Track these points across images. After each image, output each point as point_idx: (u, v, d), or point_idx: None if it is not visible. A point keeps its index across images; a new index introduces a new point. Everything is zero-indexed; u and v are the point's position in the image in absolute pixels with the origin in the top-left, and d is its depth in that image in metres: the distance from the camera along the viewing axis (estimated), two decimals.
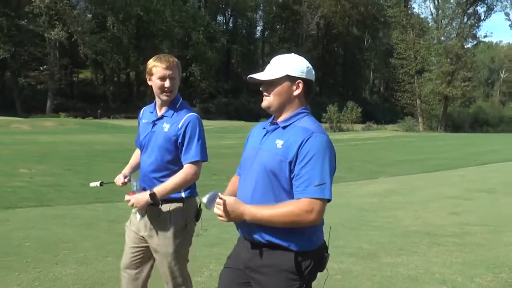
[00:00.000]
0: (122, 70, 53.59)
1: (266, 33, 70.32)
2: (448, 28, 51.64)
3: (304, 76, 1.91)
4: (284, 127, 1.90)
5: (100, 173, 10.35)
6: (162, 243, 2.62)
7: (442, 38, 50.70)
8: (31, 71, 48.87)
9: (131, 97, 54.62)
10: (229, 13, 65.56)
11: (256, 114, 53.48)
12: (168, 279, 2.68)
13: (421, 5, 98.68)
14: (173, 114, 2.67)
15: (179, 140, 2.62)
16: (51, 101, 46.74)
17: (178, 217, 2.64)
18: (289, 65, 1.91)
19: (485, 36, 72.91)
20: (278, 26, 69.11)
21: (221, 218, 1.83)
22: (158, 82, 2.60)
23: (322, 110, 60.25)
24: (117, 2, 47.60)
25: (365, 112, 47.61)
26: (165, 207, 2.63)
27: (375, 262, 4.88)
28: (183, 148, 2.62)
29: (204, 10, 54.97)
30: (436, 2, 52.17)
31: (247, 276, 1.95)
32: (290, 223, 1.78)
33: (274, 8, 67.38)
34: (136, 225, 2.69)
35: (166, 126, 2.64)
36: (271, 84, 1.91)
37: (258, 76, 1.93)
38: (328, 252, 2.01)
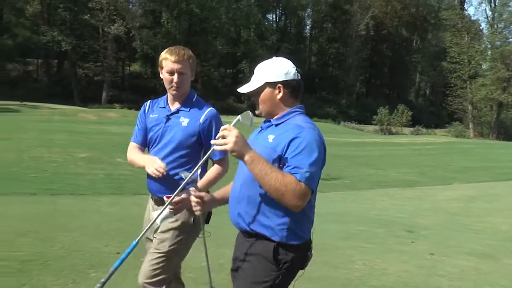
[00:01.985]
0: None
1: (314, 32, 70.22)
2: (504, 32, 50.35)
3: (283, 79, 1.97)
4: (276, 125, 1.98)
5: None
6: (163, 236, 2.52)
7: (498, 42, 49.43)
8: (89, 63, 50.87)
9: None
10: (280, 11, 65.91)
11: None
12: (150, 274, 2.50)
13: (477, 8, 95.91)
14: (190, 109, 2.59)
15: (202, 135, 2.55)
16: (106, 92, 48.44)
17: (187, 214, 2.52)
18: (267, 72, 1.99)
19: None
20: (327, 25, 68.85)
21: (226, 141, 1.81)
22: (167, 76, 2.52)
23: (368, 111, 60.22)
24: None
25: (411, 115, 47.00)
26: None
27: (497, 262, 5.31)
28: (210, 142, 2.49)
29: (256, 8, 55.48)
30: (493, 5, 50.96)
31: (237, 266, 2.02)
32: (276, 190, 1.78)
33: (325, 7, 67.16)
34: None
35: (184, 121, 2.56)
36: (255, 94, 2.00)
37: (242, 89, 2.04)
38: (312, 252, 2.03)
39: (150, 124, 2.64)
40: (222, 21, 50.62)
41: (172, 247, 2.51)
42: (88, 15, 43.86)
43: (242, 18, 52.45)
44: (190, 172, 2.15)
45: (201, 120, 2.55)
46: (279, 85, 1.98)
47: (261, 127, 2.09)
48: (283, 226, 1.89)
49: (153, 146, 2.62)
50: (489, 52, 50.08)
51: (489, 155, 19.81)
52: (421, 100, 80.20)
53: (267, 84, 1.98)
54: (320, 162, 1.86)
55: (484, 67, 51.71)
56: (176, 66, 2.48)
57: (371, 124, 47.05)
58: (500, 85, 44.94)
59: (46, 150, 11.45)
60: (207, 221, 2.53)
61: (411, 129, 46.37)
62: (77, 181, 8.40)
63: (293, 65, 2.04)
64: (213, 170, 2.58)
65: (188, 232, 2.55)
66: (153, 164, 2.44)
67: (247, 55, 54.50)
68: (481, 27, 57.90)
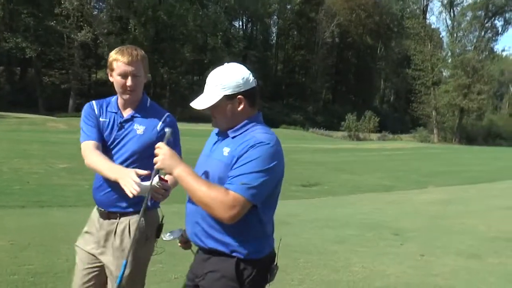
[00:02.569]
0: None
1: (281, 39, 71.00)
2: (463, 41, 52.37)
3: (242, 90, 1.84)
4: (233, 137, 1.86)
5: None
6: (116, 261, 2.31)
7: (458, 50, 51.36)
8: (55, 70, 49.86)
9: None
10: (247, 18, 66.40)
11: (271, 119, 54.34)
12: None
13: (438, 16, 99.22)
14: (145, 115, 2.38)
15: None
16: (73, 100, 47.53)
17: (140, 231, 2.29)
18: (224, 84, 1.83)
19: (503, 50, 73.63)
20: (293, 33, 69.79)
21: (156, 159, 1.81)
22: (119, 79, 2.29)
23: (334, 117, 61.30)
24: (140, 6, 48.52)
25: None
26: (123, 220, 2.34)
27: (482, 261, 5.63)
28: None
29: (223, 15, 55.80)
30: (452, 15, 52.93)
31: (196, 285, 1.92)
32: (207, 206, 1.72)
33: (291, 14, 68.07)
34: (89, 243, 2.40)
35: (140, 128, 2.35)
36: (214, 108, 1.86)
37: (197, 104, 1.87)
38: (277, 264, 1.97)
39: (101, 128, 2.37)
40: (190, 28, 50.63)
41: (130, 268, 2.25)
42: (54, 21, 43.04)
43: (209, 26, 52.61)
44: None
45: (158, 127, 2.35)
46: (240, 96, 1.84)
47: (217, 137, 1.95)
48: (240, 241, 1.81)
49: (108, 149, 2.37)
50: (450, 59, 51.97)
51: (456, 159, 20.60)
52: (385, 107, 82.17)
53: (226, 97, 1.83)
54: (267, 174, 1.74)
55: (445, 74, 53.65)
56: (129, 68, 2.26)
57: (339, 130, 48.01)
58: (461, 92, 46.71)
59: (25, 161, 11.27)
60: (157, 235, 2.39)
61: (378, 134, 47.56)
62: (64, 192, 8.32)
63: (249, 71, 1.90)
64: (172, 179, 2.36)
65: (143, 251, 2.35)
66: (129, 181, 2.05)
67: (214, 62, 54.51)
68: (441, 35, 60.12)
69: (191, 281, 1.95)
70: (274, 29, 70.47)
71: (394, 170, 16.18)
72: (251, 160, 1.73)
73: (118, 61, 2.27)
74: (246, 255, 1.82)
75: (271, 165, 1.75)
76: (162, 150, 1.81)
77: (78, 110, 48.53)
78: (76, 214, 6.91)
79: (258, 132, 1.83)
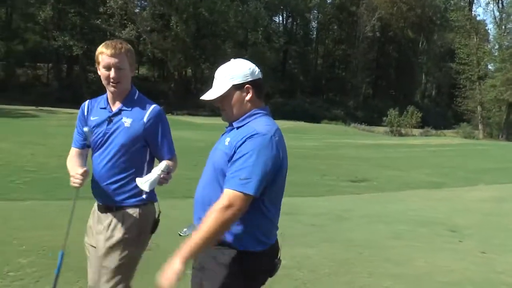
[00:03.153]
0: (183, 68, 55.30)
1: (321, 34, 70.49)
2: None
3: (250, 79, 1.92)
4: (238, 128, 1.91)
5: None
6: (108, 254, 2.35)
7: (506, 43, 49.59)
8: None
9: (189, 94, 56.27)
10: (287, 13, 66.26)
11: (312, 114, 54.14)
12: None
13: (485, 8, 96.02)
14: (132, 108, 2.40)
15: (147, 135, 2.38)
16: None
17: (132, 225, 2.36)
18: (232, 74, 1.91)
19: None
20: (334, 27, 69.16)
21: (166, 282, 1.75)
22: (104, 72, 2.35)
23: (375, 112, 60.45)
24: (182, 3, 49.24)
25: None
26: (119, 214, 2.38)
27: None
28: (157, 143, 2.41)
29: (264, 11, 55.89)
30: (500, 6, 51.15)
31: (198, 273, 1.93)
32: (222, 227, 1.75)
33: (331, 8, 67.46)
34: (90, 236, 2.48)
35: (127, 121, 2.37)
36: (221, 99, 1.92)
37: (208, 96, 1.95)
38: (280, 259, 1.99)
39: (92, 127, 2.44)
40: (231, 24, 51.02)
41: (120, 261, 2.33)
42: (99, 20, 44.32)
43: (250, 21, 52.82)
44: (144, 178, 2.21)
45: (145, 119, 2.37)
46: (248, 85, 1.92)
47: (226, 129, 2.01)
48: (243, 231, 1.84)
49: (95, 151, 2.44)
50: (497, 53, 50.22)
51: (505, 156, 20.05)
52: (427, 101, 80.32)
53: (235, 87, 1.91)
54: (264, 168, 1.77)
55: (491, 68, 51.97)
56: (112, 61, 2.31)
57: (379, 125, 47.32)
58: (510, 86, 45.10)
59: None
60: (153, 230, 2.41)
61: (420, 130, 46.56)
62: None
63: (255, 65, 2.00)
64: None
65: (135, 246, 2.38)
66: (73, 174, 2.28)
67: (255, 57, 54.83)
68: (487, 28, 58.19)
69: (195, 269, 1.95)
70: (314, 24, 70.03)
71: (440, 167, 15.94)
72: (247, 153, 1.77)
73: (103, 54, 2.33)
74: (250, 246, 1.84)
75: (268, 156, 1.78)
76: (167, 277, 1.74)
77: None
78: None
79: (259, 123, 1.88)
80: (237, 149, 1.81)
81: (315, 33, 70.96)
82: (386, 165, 15.67)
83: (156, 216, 2.47)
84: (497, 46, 51.36)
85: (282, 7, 64.20)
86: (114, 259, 2.34)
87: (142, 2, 51.98)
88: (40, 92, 49.06)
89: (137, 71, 59.86)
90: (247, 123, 1.90)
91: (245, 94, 1.92)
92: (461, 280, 4.49)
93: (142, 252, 2.46)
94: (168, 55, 50.84)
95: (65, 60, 53.55)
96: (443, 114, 69.88)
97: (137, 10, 49.52)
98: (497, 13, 51.09)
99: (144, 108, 2.41)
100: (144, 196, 2.37)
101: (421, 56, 76.46)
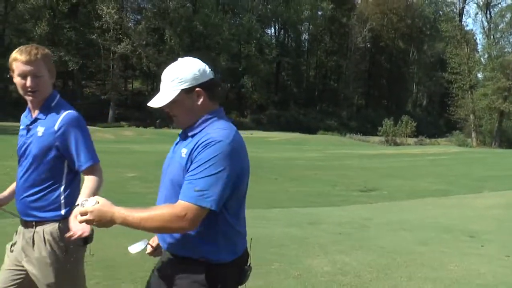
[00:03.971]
0: None
1: (313, 45, 71.27)
2: (501, 43, 51.60)
3: (200, 82, 1.78)
4: (193, 136, 1.79)
5: None
6: (41, 272, 2.20)
7: (495, 52, 50.59)
8: (95, 81, 51.59)
9: None
10: (279, 26, 67.01)
11: (306, 126, 54.68)
12: None
13: (474, 19, 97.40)
14: (47, 115, 2.22)
15: (59, 144, 2.19)
16: (113, 111, 49.00)
17: (55, 240, 2.20)
18: (180, 77, 1.77)
19: None
20: (326, 39, 70.00)
21: (87, 223, 1.70)
22: (19, 80, 2.18)
23: (368, 122, 61.14)
24: (176, 16, 49.73)
25: None
26: (39, 229, 2.21)
27: None
28: (72, 152, 2.21)
29: (257, 23, 56.59)
30: (489, 17, 52.24)
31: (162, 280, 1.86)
32: (162, 228, 1.68)
33: (323, 20, 68.37)
34: (16, 246, 2.30)
35: (40, 130, 2.20)
36: (172, 104, 1.79)
37: (155, 103, 1.81)
38: (250, 265, 1.91)
39: (19, 138, 2.32)
40: (225, 37, 51.55)
41: (57, 278, 2.21)
42: (95, 34, 44.60)
43: (244, 34, 53.41)
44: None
45: (56, 127, 2.18)
46: (198, 89, 1.78)
47: (179, 138, 1.88)
48: (210, 245, 1.75)
49: (18, 163, 2.31)
50: (486, 62, 51.18)
51: (503, 164, 20.47)
52: (418, 111, 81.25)
53: (184, 91, 1.77)
54: (222, 175, 1.67)
55: (480, 76, 52.91)
56: (28, 68, 2.14)
57: (373, 135, 47.90)
58: (501, 95, 45.95)
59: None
60: (85, 242, 2.19)
61: (415, 139, 47.19)
62: (144, 199, 8.88)
63: (204, 63, 1.85)
64: (88, 184, 2.20)
65: (64, 261, 2.22)
66: None
67: (248, 70, 55.40)
68: (475, 38, 59.28)
69: (158, 277, 1.88)
70: (306, 36, 70.83)
71: (443, 175, 16.28)
72: (204, 162, 1.67)
73: (17, 61, 2.16)
74: (217, 258, 1.76)
75: (226, 164, 1.67)
76: (85, 209, 1.68)
77: (117, 120, 50.13)
78: None
79: (214, 129, 1.75)
80: (193, 159, 1.70)
81: (307, 44, 71.82)
82: (391, 174, 15.99)
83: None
84: (486, 56, 52.38)
85: (274, 20, 64.98)
86: (49, 277, 2.20)
87: (137, 16, 52.51)
88: None
89: (131, 86, 60.73)
90: (202, 128, 1.77)
91: (196, 98, 1.78)
92: (495, 282, 4.74)
93: (78, 265, 2.30)
94: (163, 69, 51.22)
95: (59, 75, 53.58)
96: (434, 122, 70.75)
97: (131, 25, 49.93)
98: (485, 23, 52.22)
99: (58, 114, 2.22)
100: (62, 212, 2.21)
101: (412, 66, 77.62)
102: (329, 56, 69.81)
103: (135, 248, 1.90)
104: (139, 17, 53.80)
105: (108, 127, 38.46)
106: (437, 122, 71.72)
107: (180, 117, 1.82)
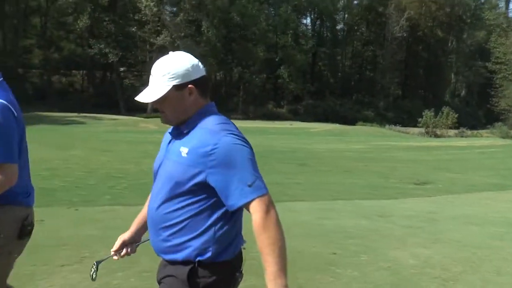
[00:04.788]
0: (214, 73, 56.10)
1: (350, 35, 70.42)
2: None
3: (192, 78, 1.71)
4: (187, 132, 1.71)
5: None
6: None
7: None
8: (134, 73, 52.60)
9: (220, 98, 56.98)
10: (315, 16, 66.48)
11: (343, 116, 54.28)
12: None
13: None
14: None
15: None
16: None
17: None
18: (172, 73, 1.69)
19: None
20: (362, 28, 69.05)
21: None
22: None
23: (404, 113, 60.17)
24: (213, 8, 50.02)
25: None
26: None
27: None
28: None
29: (294, 13, 56.33)
30: None
31: None
32: (282, 234, 1.61)
33: (359, 10, 67.43)
34: None
35: None
36: (162, 100, 1.71)
37: (145, 98, 1.73)
38: (242, 272, 1.79)
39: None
40: (262, 27, 51.58)
41: None
42: (135, 27, 45.35)
43: (281, 24, 53.29)
44: None
45: None
46: (190, 85, 1.70)
47: (170, 135, 1.80)
48: (199, 244, 1.68)
49: None
50: None
51: None
52: (457, 101, 79.37)
53: (176, 87, 1.69)
54: (253, 163, 1.64)
55: None
56: None
57: (409, 126, 47.11)
58: None
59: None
60: (20, 236, 2.10)
61: (455, 131, 46.18)
62: None
63: (197, 59, 1.78)
64: None
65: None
66: None
67: (285, 60, 55.31)
68: None
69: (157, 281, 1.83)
70: (342, 25, 70.01)
71: (495, 169, 16.00)
72: (231, 161, 1.60)
73: None
74: (204, 259, 1.68)
75: (244, 152, 1.64)
76: None
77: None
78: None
79: (212, 123, 1.69)
80: (210, 161, 1.61)
81: (343, 34, 71.02)
82: (441, 167, 15.81)
83: (23, 219, 2.15)
84: None
85: (310, 9, 64.51)
86: None
87: (173, 8, 52.98)
88: (77, 98, 50.44)
89: None
90: (197, 125, 1.70)
91: (187, 95, 1.71)
92: None
93: (6, 261, 2.17)
94: (201, 60, 51.70)
95: (99, 67, 54.84)
96: (473, 113, 69.00)
97: (167, 18, 50.46)
98: None
99: None
100: None
101: (451, 55, 75.66)
102: (365, 46, 68.88)
103: (94, 271, 1.89)
104: (175, 9, 54.39)
105: (148, 118, 39.13)
106: (476, 113, 69.91)
107: (170, 113, 1.74)
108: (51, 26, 53.62)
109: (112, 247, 1.95)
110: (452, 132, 45.69)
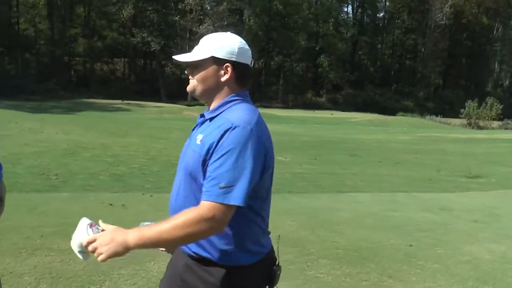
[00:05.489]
0: (256, 61, 56.35)
1: (391, 23, 69.17)
2: None
3: (234, 59, 1.62)
4: (211, 119, 1.61)
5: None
6: None
7: None
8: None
9: (258, 86, 57.23)
10: (357, 3, 65.59)
11: (383, 106, 53.65)
12: None
13: None
14: None
15: None
16: None
17: None
18: (217, 45, 1.62)
19: None
20: (404, 16, 67.67)
21: (100, 257, 1.48)
22: None
23: (445, 103, 58.88)
24: None
25: None
26: None
27: None
28: None
29: (336, 1, 55.83)
30: None
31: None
32: (189, 236, 1.48)
33: None
34: None
35: None
36: (196, 67, 1.64)
37: (181, 57, 1.67)
38: (279, 264, 1.72)
39: None
40: (304, 16, 51.36)
41: None
42: (178, 16, 46.01)
43: (323, 13, 52.92)
44: None
45: None
46: (227, 64, 1.62)
47: (197, 121, 1.70)
48: (231, 245, 1.57)
49: None
50: None
51: None
52: (499, 91, 76.99)
53: (214, 60, 1.62)
54: (250, 168, 1.48)
55: None
56: None
57: (451, 117, 46.17)
58: None
59: None
60: None
61: (499, 123, 44.99)
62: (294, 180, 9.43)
63: (249, 49, 1.69)
64: None
65: None
66: None
67: (325, 49, 54.99)
68: None
69: (174, 278, 1.71)
70: (383, 13, 68.83)
71: None
72: (225, 153, 1.48)
73: None
74: (239, 261, 1.59)
75: (250, 153, 1.49)
76: (97, 240, 1.50)
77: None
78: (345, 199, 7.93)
79: (235, 112, 1.58)
80: (211, 149, 1.51)
81: (384, 22, 69.81)
82: (492, 160, 15.61)
83: None
84: None
85: None
86: None
87: None
88: (119, 85, 51.71)
89: None
90: (222, 111, 1.60)
91: (223, 72, 1.62)
92: None
93: None
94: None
95: (140, 55, 55.96)
96: None
97: (207, 6, 50.90)
98: None
99: None
100: None
101: (496, 43, 73.32)
102: (406, 34, 67.56)
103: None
104: None
105: (190, 105, 39.81)
106: None
107: (198, 85, 1.65)
108: (94, 15, 55.05)
109: None
110: (495, 123, 44.55)
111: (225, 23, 47.02)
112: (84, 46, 53.58)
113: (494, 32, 73.59)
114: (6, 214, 2.08)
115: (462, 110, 44.28)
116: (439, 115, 46.95)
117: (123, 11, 46.40)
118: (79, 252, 1.53)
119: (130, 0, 46.63)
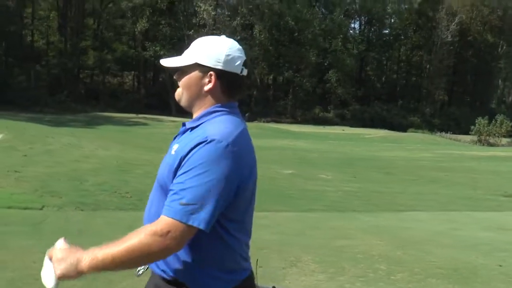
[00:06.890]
0: (265, 76, 56.82)
1: (397, 40, 69.93)
2: None
3: (219, 67, 1.49)
4: (191, 129, 1.51)
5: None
6: None
7: None
8: None
9: (268, 101, 57.68)
10: (366, 20, 66.38)
11: (390, 122, 54.09)
12: None
13: None
14: None
15: None
16: None
17: None
18: (202, 50, 1.51)
19: None
20: (411, 33, 68.46)
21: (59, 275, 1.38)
22: None
23: (451, 120, 59.37)
24: (268, 12, 50.81)
25: None
26: None
27: None
28: None
29: (345, 18, 56.58)
30: None
31: None
32: (145, 257, 1.37)
33: (409, 14, 66.92)
34: None
35: None
36: (182, 73, 1.55)
37: (167, 62, 1.60)
38: (258, 287, 1.65)
39: None
40: (315, 32, 52.02)
41: None
42: (192, 30, 46.63)
43: (335, 29, 53.60)
44: None
45: None
46: (211, 72, 1.50)
47: (178, 132, 1.60)
48: (200, 268, 1.45)
49: None
50: None
51: None
52: (503, 108, 77.58)
53: (198, 66, 1.51)
54: (215, 184, 1.36)
55: None
56: None
57: (456, 133, 46.64)
58: None
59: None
60: None
61: (508, 139, 45.44)
62: (324, 197, 9.70)
63: (242, 54, 1.56)
64: None
65: None
66: None
67: (334, 65, 55.57)
68: None
69: None
70: (390, 30, 69.61)
71: None
72: (193, 168, 1.37)
73: None
74: (216, 285, 1.47)
75: (221, 171, 1.37)
76: (55, 254, 1.41)
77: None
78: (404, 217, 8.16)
79: (215, 124, 1.46)
80: (182, 162, 1.40)
81: (390, 39, 70.56)
82: None
83: None
84: None
85: (360, 13, 64.49)
86: None
87: (227, 12, 54.06)
88: (129, 99, 52.13)
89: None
90: (203, 122, 1.50)
91: (206, 81, 1.51)
92: None
93: None
94: (255, 63, 52.67)
95: (150, 68, 56.51)
96: None
97: (224, 22, 51.56)
98: None
99: None
100: None
101: (500, 60, 74.26)
102: (413, 51, 68.31)
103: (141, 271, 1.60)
104: (229, 12, 55.48)
105: None
106: None
107: (182, 91, 1.57)
108: (103, 28, 55.74)
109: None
110: (504, 140, 44.99)
111: (238, 37, 47.66)
112: (94, 59, 54.18)
113: (499, 49, 74.47)
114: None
115: (472, 127, 44.73)
116: (448, 132, 47.43)
117: (137, 25, 46.97)
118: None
119: (145, 13, 47.22)
